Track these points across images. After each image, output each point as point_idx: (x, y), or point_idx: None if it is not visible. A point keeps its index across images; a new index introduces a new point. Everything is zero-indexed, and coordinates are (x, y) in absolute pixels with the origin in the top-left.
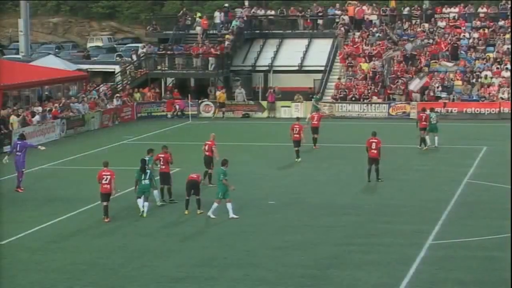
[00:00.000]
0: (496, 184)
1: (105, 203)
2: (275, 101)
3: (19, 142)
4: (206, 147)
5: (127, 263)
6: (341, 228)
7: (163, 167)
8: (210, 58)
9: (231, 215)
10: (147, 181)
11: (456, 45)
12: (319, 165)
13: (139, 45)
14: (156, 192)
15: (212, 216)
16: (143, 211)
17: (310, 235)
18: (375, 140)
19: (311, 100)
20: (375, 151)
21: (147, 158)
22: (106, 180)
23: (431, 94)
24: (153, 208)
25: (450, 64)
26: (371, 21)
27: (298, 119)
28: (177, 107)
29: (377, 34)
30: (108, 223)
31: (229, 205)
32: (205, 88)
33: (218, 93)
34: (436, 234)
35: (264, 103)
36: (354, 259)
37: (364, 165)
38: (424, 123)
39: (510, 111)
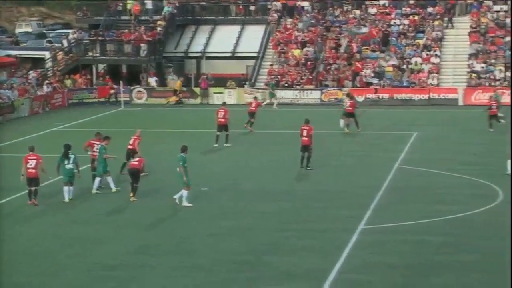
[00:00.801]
0: (426, 169)
1: (32, 188)
2: (208, 87)
3: None
4: (131, 141)
5: (60, 251)
6: (276, 214)
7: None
8: (142, 44)
9: (185, 203)
10: (70, 166)
11: (387, 32)
12: (253, 151)
13: (70, 31)
14: (98, 180)
15: (188, 204)
16: (70, 198)
17: (245, 221)
18: (307, 128)
19: (243, 87)
20: (306, 138)
21: (100, 145)
22: (31, 164)
23: (363, 80)
24: (87, 195)
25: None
26: (303, 7)
27: (224, 104)
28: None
29: (309, 21)
30: (37, 207)
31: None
32: (137, 75)
33: (173, 80)
34: (368, 219)
35: (197, 90)
36: (288, 244)
37: (297, 151)
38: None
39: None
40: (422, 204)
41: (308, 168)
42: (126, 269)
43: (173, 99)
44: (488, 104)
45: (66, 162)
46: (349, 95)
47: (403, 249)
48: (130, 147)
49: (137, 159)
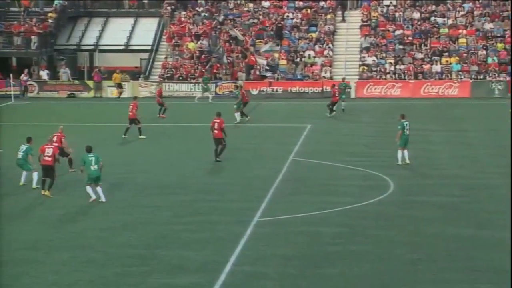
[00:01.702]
0: (320, 161)
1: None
2: (101, 80)
3: None
4: (55, 138)
5: None
6: (168, 207)
7: None
8: (32, 37)
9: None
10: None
11: (280, 24)
12: (146, 144)
13: None
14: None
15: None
16: None
17: (137, 215)
18: (218, 120)
19: (137, 80)
20: (217, 131)
21: (25, 146)
22: (48, 153)
23: (257, 73)
24: None
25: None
26: (197, 0)
27: (135, 98)
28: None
29: (203, 14)
30: None
31: (99, 189)
32: (28, 68)
33: (65, 73)
34: (263, 211)
35: (90, 83)
36: (182, 238)
37: (190, 144)
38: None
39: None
40: (316, 196)
41: (218, 160)
42: (16, 265)
43: (119, 91)
44: (333, 92)
45: None
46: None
47: (297, 241)
48: (55, 144)
49: (50, 154)
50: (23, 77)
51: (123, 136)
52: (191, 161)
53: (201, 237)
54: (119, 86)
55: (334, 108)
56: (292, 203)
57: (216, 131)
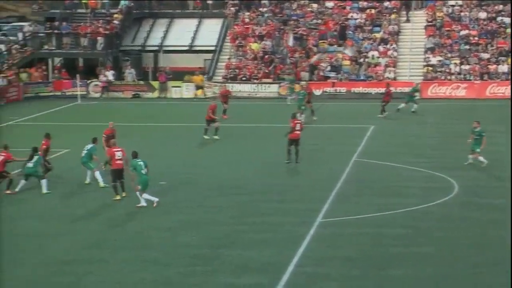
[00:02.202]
0: (383, 162)
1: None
2: (166, 81)
3: None
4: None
5: (14, 247)
6: (231, 208)
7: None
8: (98, 38)
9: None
10: (30, 164)
11: (344, 25)
12: (209, 146)
13: (25, 24)
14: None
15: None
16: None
17: (201, 215)
18: (299, 122)
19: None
20: (299, 132)
21: (90, 146)
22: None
23: (321, 74)
24: (39, 190)
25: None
26: (260, 1)
27: (213, 99)
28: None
29: (266, 15)
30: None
31: (146, 195)
32: (94, 68)
33: (130, 74)
34: (326, 212)
35: (154, 83)
36: (245, 238)
37: (253, 145)
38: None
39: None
40: (379, 197)
41: (298, 162)
42: (83, 263)
43: (200, 92)
44: (388, 92)
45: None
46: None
47: (360, 242)
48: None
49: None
50: (102, 77)
51: (204, 137)
52: (254, 162)
53: (263, 238)
54: (199, 87)
55: (400, 107)
56: (354, 204)
57: (297, 132)
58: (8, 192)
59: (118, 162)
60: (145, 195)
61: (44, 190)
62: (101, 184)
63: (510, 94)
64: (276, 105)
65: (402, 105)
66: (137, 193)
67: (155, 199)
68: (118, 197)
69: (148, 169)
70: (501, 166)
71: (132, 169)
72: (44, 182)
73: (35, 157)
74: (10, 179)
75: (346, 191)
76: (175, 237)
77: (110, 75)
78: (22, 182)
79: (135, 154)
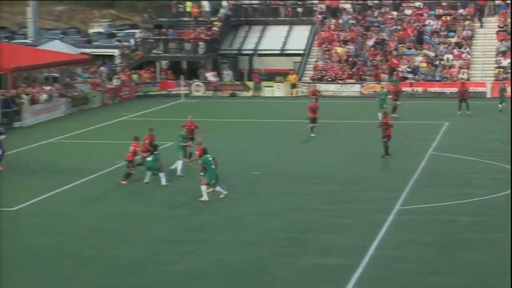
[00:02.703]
0: (456, 155)
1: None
2: (260, 81)
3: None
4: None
5: (125, 227)
6: (317, 196)
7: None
8: (200, 43)
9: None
10: (150, 158)
11: (421, 30)
12: (298, 139)
13: (136, 31)
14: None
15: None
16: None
17: (290, 202)
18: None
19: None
20: (391, 128)
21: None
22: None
23: (399, 75)
24: (153, 179)
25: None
26: (345, 9)
27: (315, 98)
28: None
29: (350, 21)
30: (102, 190)
31: (218, 188)
32: (196, 70)
33: (228, 75)
34: (403, 200)
35: (249, 83)
36: (329, 223)
37: (337, 139)
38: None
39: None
40: (453, 187)
41: (387, 156)
42: (185, 243)
43: (294, 91)
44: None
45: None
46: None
47: (435, 228)
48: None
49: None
50: (212, 78)
51: (311, 135)
52: (339, 154)
53: (347, 223)
54: (293, 86)
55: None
56: (430, 193)
57: (391, 128)
58: (123, 182)
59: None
60: (218, 188)
61: (163, 182)
62: (178, 173)
63: (511, 98)
64: (358, 103)
65: (500, 105)
66: (203, 187)
67: (224, 192)
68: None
69: (217, 164)
70: None
71: (202, 163)
72: (162, 175)
73: (155, 153)
74: (130, 172)
75: (422, 181)
76: (267, 221)
77: (210, 76)
78: (149, 173)
79: (205, 150)
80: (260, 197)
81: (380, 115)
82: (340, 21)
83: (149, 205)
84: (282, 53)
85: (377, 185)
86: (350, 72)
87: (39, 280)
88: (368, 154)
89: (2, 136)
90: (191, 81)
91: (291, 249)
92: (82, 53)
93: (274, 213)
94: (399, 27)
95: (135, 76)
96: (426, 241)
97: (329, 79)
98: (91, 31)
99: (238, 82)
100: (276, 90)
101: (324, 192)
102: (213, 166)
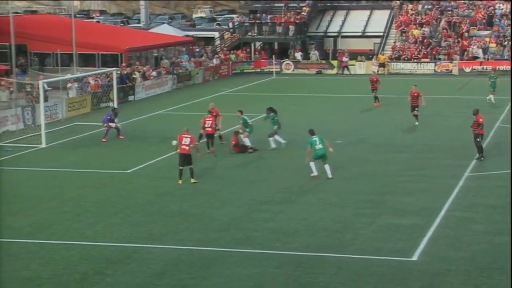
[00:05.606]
0: None
1: (180, 167)
2: (347, 65)
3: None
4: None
5: (224, 189)
6: (395, 162)
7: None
8: (290, 26)
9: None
10: (320, 146)
11: (491, 14)
12: (377, 111)
13: (234, 15)
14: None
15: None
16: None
17: (369, 168)
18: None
19: (371, 60)
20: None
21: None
22: (185, 142)
23: (470, 55)
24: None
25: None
26: None
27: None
28: (342, 63)
29: (426, 6)
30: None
31: (326, 167)
32: (286, 50)
33: (314, 55)
34: (472, 168)
35: (334, 62)
36: (405, 187)
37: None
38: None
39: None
40: None
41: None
42: (276, 204)
43: (384, 69)
44: None
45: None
46: None
47: (502, 193)
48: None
49: (188, 143)
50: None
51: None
52: (411, 125)
53: (420, 187)
54: (382, 65)
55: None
56: (497, 162)
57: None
58: (208, 151)
59: (185, 147)
60: (312, 164)
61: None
62: (273, 146)
63: (511, 96)
64: (432, 80)
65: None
66: (311, 163)
67: (315, 173)
68: (180, 182)
69: (326, 143)
70: None
71: (308, 145)
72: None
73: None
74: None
75: (490, 150)
76: (349, 185)
77: (298, 55)
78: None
79: (311, 131)
80: (343, 163)
81: (492, 97)
82: (419, 7)
83: (243, 169)
84: (363, 35)
85: (448, 154)
86: (425, 52)
87: (150, 231)
88: (440, 126)
89: (115, 120)
90: (282, 60)
91: (371, 210)
92: (187, 36)
93: (355, 177)
94: (470, 11)
95: (232, 56)
96: (494, 204)
97: (406, 58)
98: (194, 16)
99: (323, 61)
100: (357, 68)
101: (400, 160)
102: (317, 147)
